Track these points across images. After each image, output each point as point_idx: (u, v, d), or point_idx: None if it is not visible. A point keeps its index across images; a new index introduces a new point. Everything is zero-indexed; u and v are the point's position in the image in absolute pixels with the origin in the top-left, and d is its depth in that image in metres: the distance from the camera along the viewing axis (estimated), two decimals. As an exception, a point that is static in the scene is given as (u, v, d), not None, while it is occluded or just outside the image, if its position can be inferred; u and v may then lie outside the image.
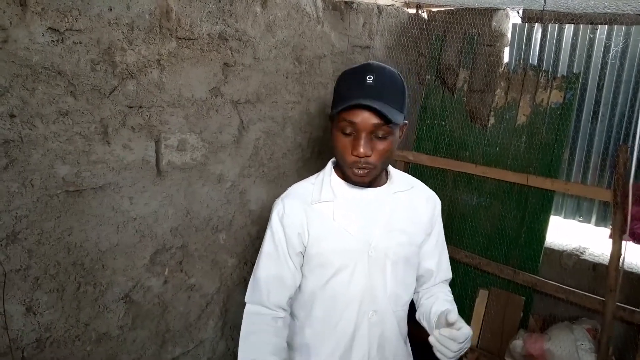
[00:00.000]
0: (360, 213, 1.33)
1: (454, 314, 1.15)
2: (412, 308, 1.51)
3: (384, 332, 1.36)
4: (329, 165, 1.42)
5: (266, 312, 1.38)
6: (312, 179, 1.43)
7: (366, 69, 1.23)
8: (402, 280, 1.38)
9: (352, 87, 1.21)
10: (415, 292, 1.50)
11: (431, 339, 1.17)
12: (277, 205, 1.39)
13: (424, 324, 1.42)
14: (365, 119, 1.18)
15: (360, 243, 1.31)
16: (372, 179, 1.29)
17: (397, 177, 1.41)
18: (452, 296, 1.48)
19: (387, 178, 1.40)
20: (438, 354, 1.17)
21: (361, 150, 1.20)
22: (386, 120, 1.18)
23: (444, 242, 1.51)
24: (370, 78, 1.20)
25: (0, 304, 1.54)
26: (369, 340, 1.35)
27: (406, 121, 1.32)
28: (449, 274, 1.53)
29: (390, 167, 1.41)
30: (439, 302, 1.40)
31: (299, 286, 1.41)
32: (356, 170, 1.24)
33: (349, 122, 1.20)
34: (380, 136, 1.21)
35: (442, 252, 1.50)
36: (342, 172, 1.33)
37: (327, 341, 1.36)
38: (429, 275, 1.48)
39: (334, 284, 1.33)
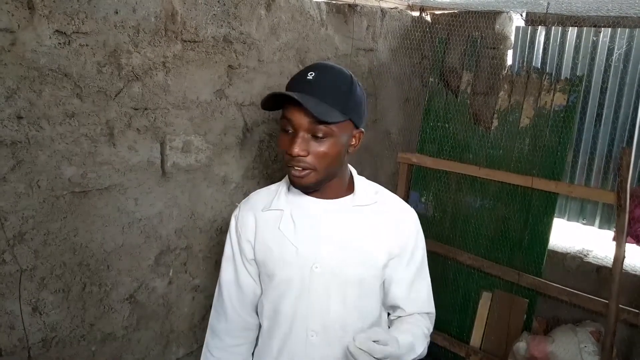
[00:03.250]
0: (310, 225, 1.24)
1: (382, 333, 1.06)
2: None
3: (326, 358, 1.25)
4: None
5: (227, 340, 1.35)
6: (273, 186, 1.36)
7: (311, 66, 1.17)
8: (355, 305, 1.25)
9: (292, 82, 1.16)
10: (389, 319, 1.37)
11: (349, 346, 1.04)
12: (235, 210, 1.34)
13: None
14: (300, 116, 1.10)
15: (304, 257, 1.22)
16: (314, 183, 1.17)
17: (362, 189, 1.28)
18: (426, 330, 1.31)
19: (351, 190, 1.28)
20: None
21: (294, 149, 1.11)
22: (313, 117, 1.09)
23: (422, 268, 1.34)
24: (311, 74, 1.12)
25: (8, 303, 1.56)
26: None
27: (362, 129, 1.24)
28: (426, 307, 1.34)
29: (357, 178, 1.30)
30: (399, 328, 1.27)
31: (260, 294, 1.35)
32: (293, 170, 1.15)
33: (287, 119, 1.13)
34: (319, 136, 1.12)
35: (417, 279, 1.32)
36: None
37: (269, 354, 1.31)
38: (397, 303, 1.31)
39: (276, 296, 1.27)
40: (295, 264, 1.23)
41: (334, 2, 2.48)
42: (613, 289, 2.22)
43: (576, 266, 2.61)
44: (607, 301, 2.26)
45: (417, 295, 1.32)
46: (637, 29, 2.47)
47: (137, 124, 1.78)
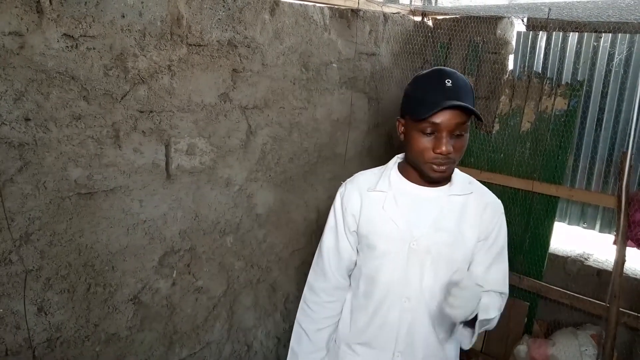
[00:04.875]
0: (410, 208, 1.41)
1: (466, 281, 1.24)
2: None
3: (414, 321, 1.42)
4: (393, 160, 1.50)
5: (324, 297, 1.54)
6: (376, 169, 1.52)
7: (442, 73, 1.30)
8: (444, 279, 1.40)
9: (433, 90, 1.27)
10: None
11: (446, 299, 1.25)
12: (342, 187, 1.53)
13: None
14: (449, 119, 1.25)
15: (404, 234, 1.39)
16: (450, 173, 1.38)
17: (459, 180, 1.44)
18: (498, 305, 1.45)
19: (448, 180, 1.43)
20: (447, 308, 1.24)
21: (444, 148, 1.26)
22: (476, 116, 1.26)
23: (502, 253, 1.48)
24: (449, 82, 1.27)
25: (14, 303, 1.57)
26: (399, 323, 1.42)
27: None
28: (501, 287, 1.49)
29: (454, 169, 1.44)
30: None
31: (355, 261, 1.53)
32: (436, 167, 1.30)
33: (432, 123, 1.26)
34: (458, 134, 1.28)
35: (496, 262, 1.46)
36: (418, 171, 1.38)
37: (366, 312, 1.47)
38: (476, 281, 1.39)
39: (375, 265, 1.44)
40: (396, 240, 1.40)
41: (337, 7, 2.50)
42: (614, 292, 2.23)
43: (577, 270, 2.62)
44: (607, 304, 2.27)
45: (494, 276, 1.47)
46: (638, 35, 2.49)
47: (143, 127, 1.80)
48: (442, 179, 1.37)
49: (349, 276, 1.56)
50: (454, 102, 1.23)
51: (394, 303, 1.42)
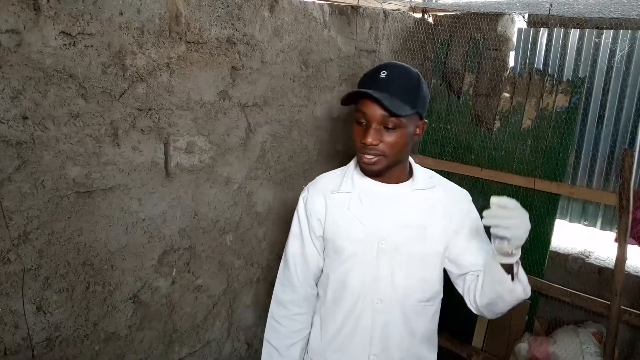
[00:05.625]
0: (376, 206, 1.38)
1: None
2: (444, 319, 1.50)
3: (388, 322, 1.39)
4: (354, 159, 1.47)
5: (293, 309, 1.49)
6: (338, 170, 1.51)
7: (382, 65, 1.31)
8: (417, 276, 1.39)
9: (367, 80, 1.30)
10: (472, 282, 1.43)
11: (484, 213, 1.16)
12: (304, 192, 1.50)
13: (487, 291, 1.36)
14: (374, 109, 1.25)
15: (371, 234, 1.37)
16: (383, 168, 1.33)
17: (420, 175, 1.43)
18: None
19: (410, 176, 1.43)
20: (492, 228, 1.17)
21: (368, 139, 1.26)
22: (389, 112, 1.24)
23: (482, 234, 1.43)
24: (384, 73, 1.27)
25: (13, 302, 1.57)
26: (372, 326, 1.39)
27: (425, 120, 1.37)
28: None
29: (415, 165, 1.45)
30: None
31: (322, 268, 1.50)
32: (365, 157, 1.30)
33: (362, 112, 1.28)
34: (389, 127, 1.27)
35: (483, 244, 1.41)
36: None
37: (335, 320, 1.44)
38: (478, 268, 1.38)
39: (344, 269, 1.41)
40: (364, 241, 1.37)
41: (336, 3, 2.49)
42: (615, 290, 2.22)
43: (578, 267, 2.61)
44: (608, 302, 2.27)
45: (484, 256, 1.39)
46: (639, 31, 2.47)
47: (141, 125, 1.79)
48: (372, 173, 1.35)
49: (316, 285, 1.52)
50: (366, 91, 1.24)
51: (365, 306, 1.39)
